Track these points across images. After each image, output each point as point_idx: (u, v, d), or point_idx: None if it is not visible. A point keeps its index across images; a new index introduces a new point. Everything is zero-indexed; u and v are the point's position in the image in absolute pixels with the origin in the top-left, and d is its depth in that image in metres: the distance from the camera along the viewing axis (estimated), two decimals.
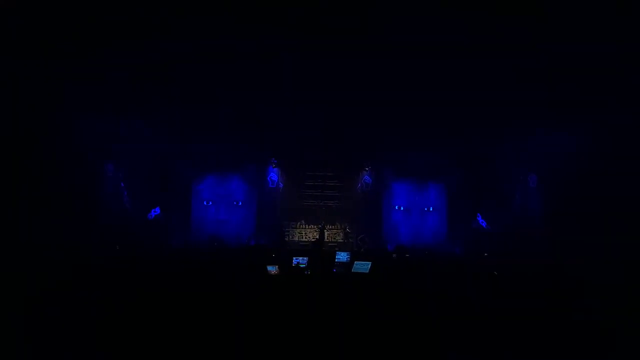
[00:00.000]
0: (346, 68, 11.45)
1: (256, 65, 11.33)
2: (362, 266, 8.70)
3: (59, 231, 10.51)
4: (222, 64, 11.38)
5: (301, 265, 9.16)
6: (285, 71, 11.52)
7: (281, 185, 17.40)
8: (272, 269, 8.19)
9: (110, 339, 3.93)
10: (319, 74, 11.75)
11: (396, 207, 17.48)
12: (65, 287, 5.33)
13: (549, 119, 12.48)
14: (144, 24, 9.48)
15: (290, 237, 17.21)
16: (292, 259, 9.40)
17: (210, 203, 17.33)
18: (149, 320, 4.36)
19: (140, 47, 10.39)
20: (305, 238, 17.13)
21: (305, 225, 17.35)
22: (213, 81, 12.24)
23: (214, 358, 3.89)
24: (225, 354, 3.91)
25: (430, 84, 11.78)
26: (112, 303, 4.74)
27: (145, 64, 11.13)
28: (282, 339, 4.14)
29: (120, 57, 10.75)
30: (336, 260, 10.09)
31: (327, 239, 16.77)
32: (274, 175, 17.21)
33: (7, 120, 10.08)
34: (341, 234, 17.23)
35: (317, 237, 16.57)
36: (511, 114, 12.71)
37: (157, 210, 15.81)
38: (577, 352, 3.86)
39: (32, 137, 10.77)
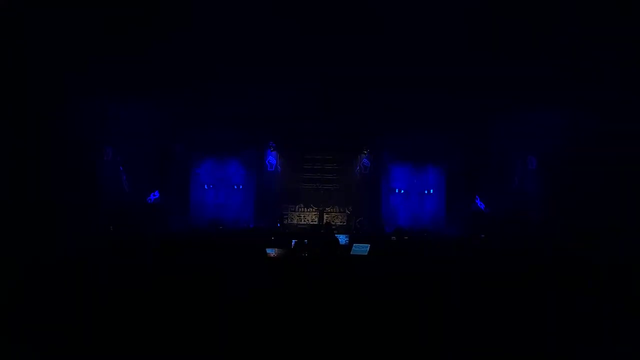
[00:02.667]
0: (344, 49, 11.40)
1: (254, 47, 11.28)
2: (361, 248, 8.74)
3: (57, 217, 10.51)
4: (220, 47, 11.32)
5: (300, 247, 9.19)
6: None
7: (279, 168, 17.41)
8: (271, 252, 8.22)
9: (107, 328, 3.93)
10: (317, 56, 11.70)
11: (395, 190, 17.51)
12: (61, 275, 5.33)
13: (549, 97, 12.43)
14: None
15: (289, 220, 17.28)
16: (291, 242, 9.44)
17: (211, 186, 17.35)
18: (149, 306, 4.38)
19: (139, 28, 10.33)
20: (304, 221, 17.21)
21: (303, 208, 17.41)
22: (211, 64, 12.19)
23: (214, 340, 3.91)
24: (225, 335, 3.93)
25: (428, 64, 11.74)
26: (110, 291, 4.74)
27: (143, 46, 11.08)
28: (282, 321, 4.17)
29: (119, 39, 10.71)
30: None
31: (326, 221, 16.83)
32: (272, 158, 17.21)
33: (3, 104, 10.02)
34: (340, 216, 17.29)
35: (318, 220, 16.65)
36: (509, 93, 12.68)
37: (157, 194, 15.83)
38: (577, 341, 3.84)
39: (28, 122, 10.71)
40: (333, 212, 17.33)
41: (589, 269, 5.66)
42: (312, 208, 17.29)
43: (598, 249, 7.82)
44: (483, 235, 13.04)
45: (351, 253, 8.73)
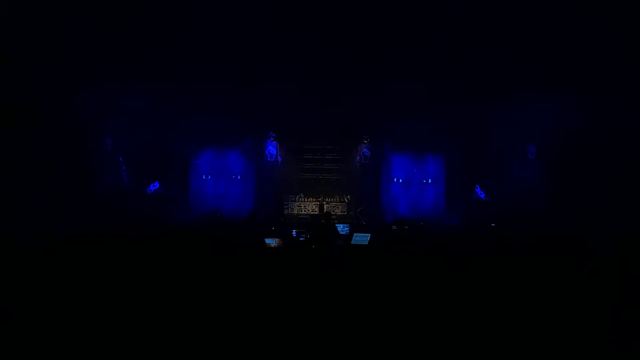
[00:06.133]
0: (342, 36, 11.34)
1: (253, 34, 11.22)
2: (362, 238, 8.74)
3: (56, 207, 10.50)
4: (218, 32, 11.27)
5: (300, 238, 9.22)
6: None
7: (279, 159, 17.36)
8: (272, 242, 8.22)
9: (104, 317, 3.92)
10: (316, 43, 11.65)
11: (395, 180, 17.48)
12: (60, 265, 5.31)
13: (547, 87, 12.40)
14: None
15: (289, 210, 17.26)
16: (292, 232, 9.47)
17: (209, 177, 17.30)
18: (149, 296, 4.37)
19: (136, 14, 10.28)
20: (304, 211, 17.20)
21: (304, 198, 17.39)
22: (210, 52, 12.13)
23: (213, 330, 3.91)
24: (225, 325, 3.93)
25: (429, 51, 11.70)
26: (107, 282, 4.72)
27: (141, 33, 11.03)
28: (281, 309, 4.17)
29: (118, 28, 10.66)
30: None
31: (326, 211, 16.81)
32: (272, 148, 17.16)
33: (2, 94, 9.98)
34: (340, 206, 17.28)
35: (318, 210, 16.64)
36: (509, 81, 12.64)
37: (156, 184, 15.80)
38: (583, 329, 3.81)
39: (27, 112, 10.67)
40: (333, 201, 17.31)
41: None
42: (312, 198, 17.27)
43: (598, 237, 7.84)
44: (494, 225, 12.93)
45: (352, 242, 8.74)
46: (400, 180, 17.46)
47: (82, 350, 3.51)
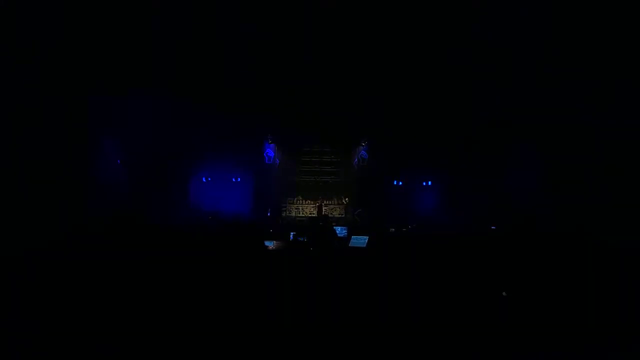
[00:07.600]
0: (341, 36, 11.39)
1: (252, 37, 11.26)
2: (360, 240, 8.71)
3: (56, 207, 10.50)
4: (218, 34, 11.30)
5: (299, 239, 9.20)
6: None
7: (277, 161, 17.37)
8: (270, 244, 8.19)
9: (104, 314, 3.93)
10: (316, 45, 11.69)
11: (394, 182, 17.48)
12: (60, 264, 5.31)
13: None
14: None
15: (287, 212, 17.27)
16: (290, 234, 9.43)
17: (209, 179, 17.32)
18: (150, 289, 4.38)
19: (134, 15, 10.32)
20: (302, 213, 17.20)
21: (302, 200, 17.39)
22: (210, 54, 12.16)
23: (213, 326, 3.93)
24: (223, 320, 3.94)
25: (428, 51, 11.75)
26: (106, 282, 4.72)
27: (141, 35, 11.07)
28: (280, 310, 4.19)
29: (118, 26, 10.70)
30: None
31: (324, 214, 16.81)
32: (270, 151, 17.16)
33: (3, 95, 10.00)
34: (338, 208, 17.28)
35: (316, 213, 16.64)
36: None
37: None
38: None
39: (28, 113, 10.70)
40: (331, 204, 17.32)
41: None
42: (310, 201, 17.27)
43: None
44: (494, 227, 12.82)
45: (349, 245, 8.72)
46: (401, 183, 17.47)
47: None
